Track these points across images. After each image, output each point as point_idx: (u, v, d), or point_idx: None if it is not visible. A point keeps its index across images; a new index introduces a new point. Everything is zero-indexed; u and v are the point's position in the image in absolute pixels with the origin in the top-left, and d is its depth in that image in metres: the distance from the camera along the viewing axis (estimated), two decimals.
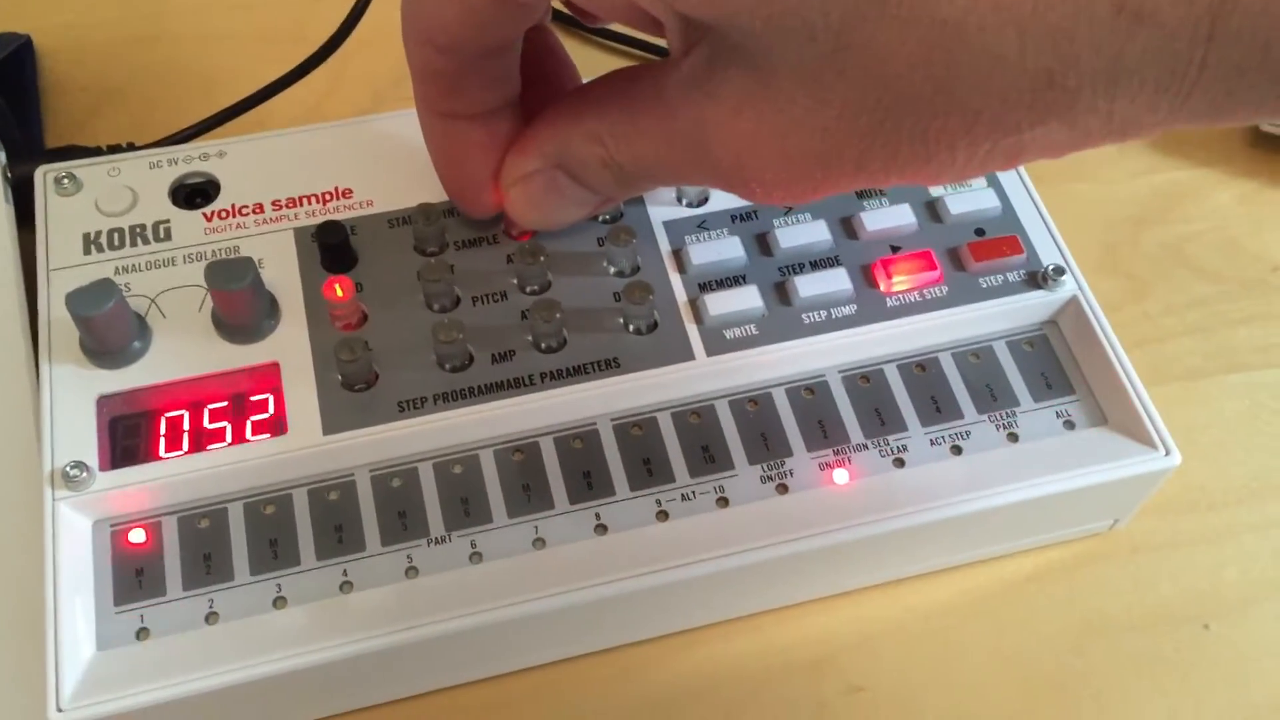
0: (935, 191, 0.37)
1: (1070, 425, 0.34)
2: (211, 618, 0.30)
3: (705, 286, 0.35)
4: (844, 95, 0.22)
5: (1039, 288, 0.36)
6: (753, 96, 0.23)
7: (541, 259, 0.34)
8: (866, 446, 0.34)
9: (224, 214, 0.36)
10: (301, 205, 0.36)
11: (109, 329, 0.32)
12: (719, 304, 0.34)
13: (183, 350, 0.33)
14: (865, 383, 0.35)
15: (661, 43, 0.30)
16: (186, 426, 0.32)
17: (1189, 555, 0.37)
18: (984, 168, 0.23)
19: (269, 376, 0.33)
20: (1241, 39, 0.19)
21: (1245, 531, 0.37)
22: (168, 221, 0.36)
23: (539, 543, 0.32)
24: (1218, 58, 0.19)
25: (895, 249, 0.36)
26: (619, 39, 0.50)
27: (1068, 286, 0.35)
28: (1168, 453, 0.33)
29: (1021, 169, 0.38)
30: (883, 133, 0.22)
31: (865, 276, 0.35)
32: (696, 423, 0.34)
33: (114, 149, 0.41)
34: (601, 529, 0.32)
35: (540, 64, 0.33)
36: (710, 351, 0.34)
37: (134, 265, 0.35)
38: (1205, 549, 0.37)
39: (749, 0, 0.22)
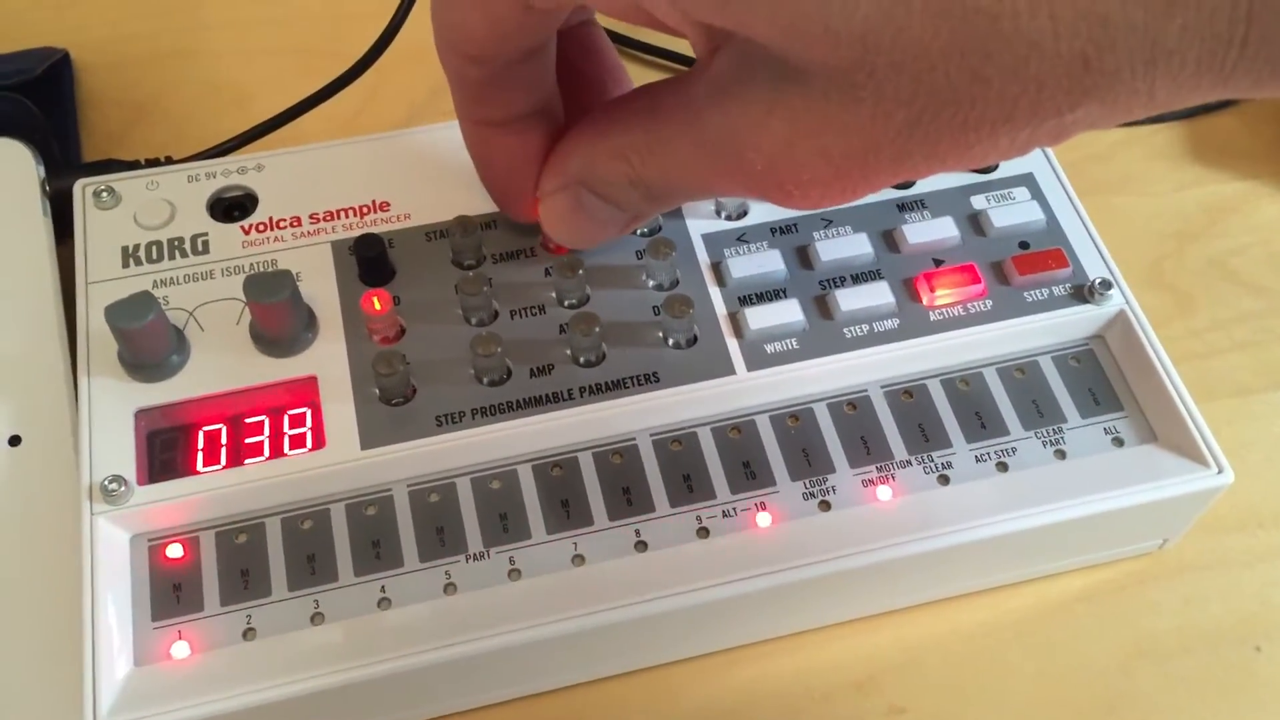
0: (978, 204, 0.37)
1: (1119, 442, 0.34)
2: (249, 633, 0.30)
3: (745, 300, 0.35)
4: (876, 93, 0.21)
5: (1085, 302, 0.35)
6: (784, 96, 0.23)
7: (580, 272, 0.34)
8: (910, 463, 0.33)
9: (262, 227, 0.36)
10: (339, 218, 0.36)
11: (148, 342, 0.32)
12: (759, 318, 0.34)
13: (221, 364, 0.33)
14: (908, 398, 0.34)
15: (688, 50, 0.29)
16: (224, 440, 0.32)
17: (1240, 576, 0.36)
18: (1028, 149, 0.22)
19: (307, 390, 0.33)
20: None
21: None
22: (206, 235, 0.36)
23: (578, 560, 0.31)
24: (1259, 35, 0.19)
25: (938, 262, 0.35)
26: (642, 48, 0.49)
27: (1115, 300, 0.35)
28: (1220, 470, 0.33)
29: (1066, 181, 0.37)
30: (920, 126, 0.22)
31: (907, 290, 0.35)
32: (737, 438, 0.33)
33: (152, 163, 0.42)
34: (641, 546, 0.32)
35: (586, 66, 0.32)
36: (751, 366, 0.34)
37: (172, 278, 0.35)
38: (1256, 569, 0.36)
39: (765, 10, 0.21)
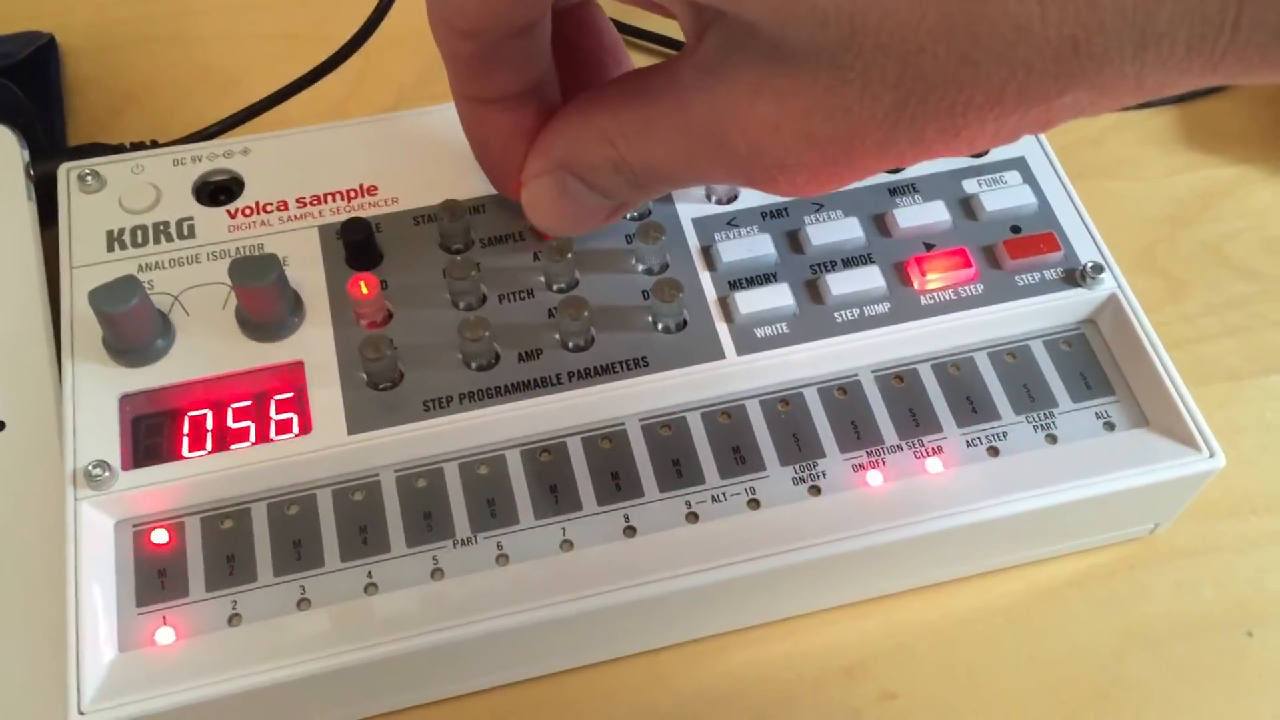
0: (970, 188, 0.37)
1: (1110, 426, 0.33)
2: (234, 619, 0.30)
3: (735, 284, 0.34)
4: (863, 75, 0.21)
5: (1077, 285, 0.35)
6: (770, 78, 0.23)
7: (569, 256, 0.34)
8: (901, 448, 0.33)
9: (248, 211, 0.36)
10: (326, 202, 0.36)
11: (132, 326, 0.32)
12: (749, 302, 0.34)
13: (206, 348, 0.33)
14: (899, 383, 0.34)
15: (678, 35, 0.29)
16: (210, 426, 0.32)
17: (1231, 560, 0.36)
18: (1015, 135, 0.22)
19: (293, 375, 0.33)
20: (1275, 2, 0.18)
21: None
22: (191, 219, 0.35)
23: (566, 545, 0.31)
24: (1251, 20, 0.18)
25: (929, 246, 0.35)
26: (633, 33, 0.49)
27: (1106, 284, 0.35)
28: (1212, 454, 0.32)
29: (1058, 165, 0.37)
30: (907, 109, 0.21)
31: (898, 274, 0.35)
32: (727, 423, 0.33)
33: (137, 146, 0.41)
34: (630, 531, 0.31)
35: (585, 45, 0.32)
36: (741, 350, 0.33)
37: (157, 262, 0.34)
38: (1248, 554, 0.36)
39: None
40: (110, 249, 0.35)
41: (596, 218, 0.31)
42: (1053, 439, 0.33)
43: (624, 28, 0.49)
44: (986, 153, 0.37)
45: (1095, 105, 0.21)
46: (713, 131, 0.25)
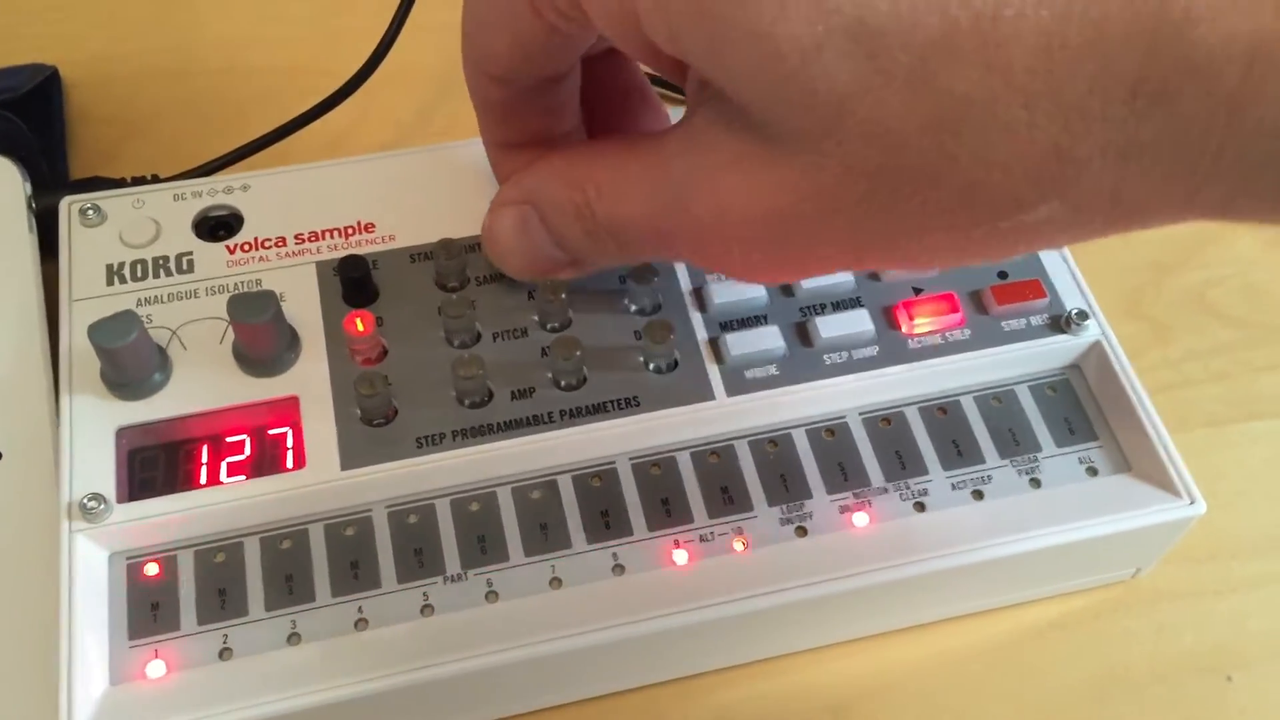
0: None
1: (1093, 471, 0.34)
2: (225, 653, 0.30)
3: (726, 326, 0.35)
4: (842, 160, 0.21)
5: (1062, 332, 0.35)
6: (751, 153, 0.23)
7: (563, 296, 0.34)
8: (887, 490, 0.33)
9: (247, 247, 0.36)
10: (324, 239, 0.36)
11: (130, 360, 0.32)
12: (740, 344, 0.34)
13: (203, 383, 0.33)
14: (886, 425, 0.34)
15: None
16: (205, 459, 0.32)
17: (1212, 605, 0.37)
18: (979, 255, 0.22)
19: (288, 410, 0.33)
20: (1263, 132, 0.18)
21: (1269, 581, 0.37)
22: (190, 254, 0.36)
23: (555, 582, 0.32)
24: (1236, 149, 0.19)
25: (917, 291, 0.36)
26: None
27: (1091, 331, 0.35)
28: (1192, 501, 0.33)
29: None
30: (878, 199, 0.22)
31: (887, 318, 0.35)
32: (716, 463, 0.33)
33: (138, 181, 0.42)
34: (619, 569, 0.32)
35: (617, 94, 0.32)
36: (730, 391, 0.34)
37: (156, 297, 0.35)
38: (1229, 599, 0.37)
39: (746, 66, 0.21)
40: (110, 283, 0.35)
41: (545, 267, 0.31)
42: (1036, 483, 0.34)
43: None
44: None
45: (1066, 229, 0.21)
46: (682, 195, 0.25)
